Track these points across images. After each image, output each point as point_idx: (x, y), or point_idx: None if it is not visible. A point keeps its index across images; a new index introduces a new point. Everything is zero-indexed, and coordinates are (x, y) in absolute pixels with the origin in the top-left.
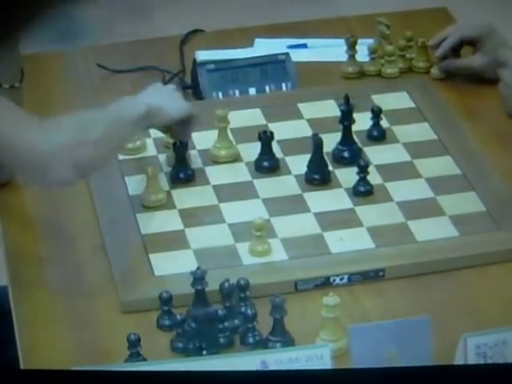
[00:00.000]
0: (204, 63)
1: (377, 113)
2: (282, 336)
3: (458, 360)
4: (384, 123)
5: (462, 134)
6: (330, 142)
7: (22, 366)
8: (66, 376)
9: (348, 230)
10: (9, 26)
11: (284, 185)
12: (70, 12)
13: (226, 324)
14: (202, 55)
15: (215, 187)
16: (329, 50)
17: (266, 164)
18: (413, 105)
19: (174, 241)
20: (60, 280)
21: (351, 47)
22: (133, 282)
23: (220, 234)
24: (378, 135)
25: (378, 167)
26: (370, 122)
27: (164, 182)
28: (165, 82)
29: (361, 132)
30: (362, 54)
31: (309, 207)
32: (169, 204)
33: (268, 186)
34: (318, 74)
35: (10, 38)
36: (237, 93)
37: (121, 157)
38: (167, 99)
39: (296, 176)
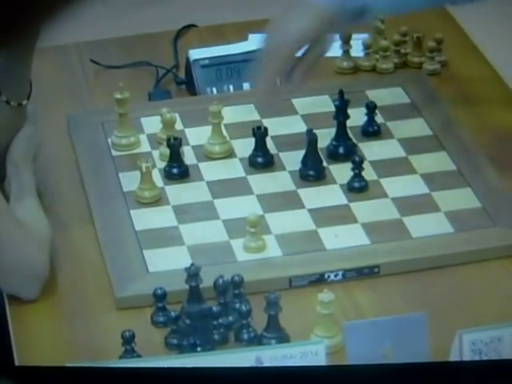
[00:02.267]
0: (198, 59)
1: (372, 108)
2: (276, 332)
3: (454, 357)
4: (379, 119)
5: (457, 129)
6: (325, 137)
7: (16, 363)
8: (61, 372)
9: (343, 226)
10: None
11: (278, 181)
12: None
13: (221, 320)
14: (195, 54)
15: (209, 183)
16: None
17: (260, 160)
18: (408, 100)
19: (168, 237)
20: (54, 276)
21: (345, 42)
22: (127, 278)
23: (214, 230)
24: (372, 131)
25: (373, 163)
26: (365, 118)
27: (158, 178)
28: (158, 78)
29: (355, 127)
30: (357, 50)
31: (303, 203)
32: (163, 200)
33: (262, 182)
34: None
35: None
36: (231, 88)
37: (114, 153)
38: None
39: (290, 172)
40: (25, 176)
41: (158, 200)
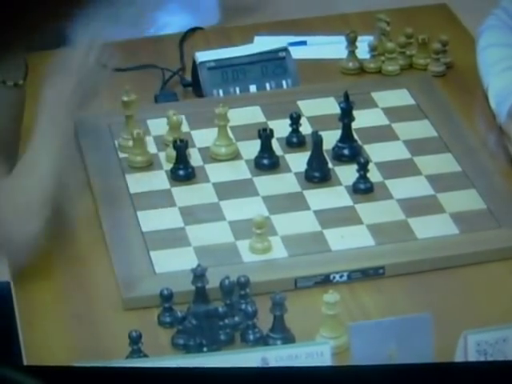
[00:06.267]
0: (204, 61)
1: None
2: (282, 333)
3: (459, 357)
4: (384, 120)
5: (462, 130)
6: (330, 139)
7: (25, 362)
8: (69, 372)
9: (348, 228)
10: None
11: (284, 182)
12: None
13: (227, 321)
14: (201, 56)
15: (215, 185)
16: (328, 47)
17: (265, 162)
18: (413, 102)
19: (174, 238)
20: (62, 277)
21: (351, 43)
22: (134, 279)
23: (220, 231)
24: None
25: (378, 165)
26: (370, 120)
27: (164, 180)
28: (164, 81)
29: (359, 129)
30: (362, 52)
31: (309, 205)
32: (169, 202)
33: (268, 184)
34: (318, 71)
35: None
36: (237, 90)
37: (121, 154)
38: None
39: (296, 174)
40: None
41: (150, 165)
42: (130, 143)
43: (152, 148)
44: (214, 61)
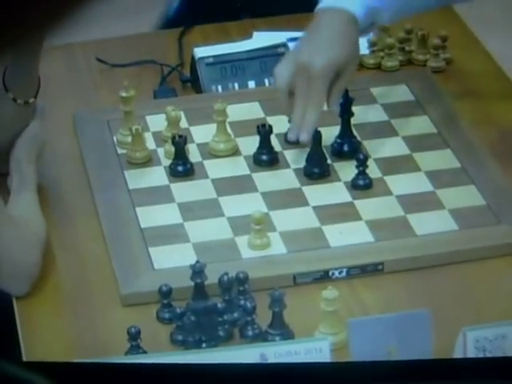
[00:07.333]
0: (203, 57)
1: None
2: (281, 329)
3: (457, 354)
4: (383, 116)
5: (461, 126)
6: (329, 135)
7: (24, 359)
8: (67, 368)
9: (347, 224)
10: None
11: (283, 178)
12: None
13: (226, 317)
14: (200, 52)
15: (214, 181)
16: None
17: (264, 157)
18: (412, 97)
19: (173, 234)
20: (60, 273)
21: None
22: (133, 275)
23: (219, 227)
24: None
25: (377, 160)
26: (369, 116)
27: (163, 176)
28: (163, 76)
29: (359, 125)
30: (362, 47)
31: (308, 201)
32: (168, 198)
33: (267, 180)
34: None
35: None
36: (236, 86)
37: (120, 150)
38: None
39: (295, 170)
40: (26, 172)
41: (149, 161)
42: (129, 139)
43: (151, 144)
44: (213, 56)
